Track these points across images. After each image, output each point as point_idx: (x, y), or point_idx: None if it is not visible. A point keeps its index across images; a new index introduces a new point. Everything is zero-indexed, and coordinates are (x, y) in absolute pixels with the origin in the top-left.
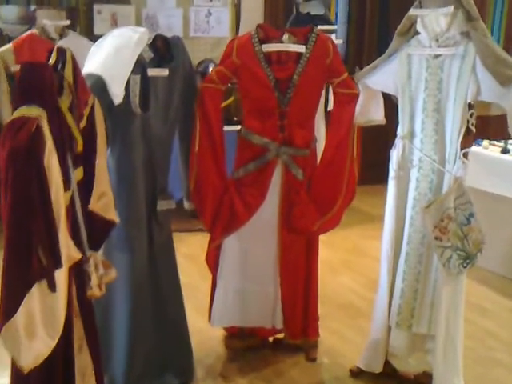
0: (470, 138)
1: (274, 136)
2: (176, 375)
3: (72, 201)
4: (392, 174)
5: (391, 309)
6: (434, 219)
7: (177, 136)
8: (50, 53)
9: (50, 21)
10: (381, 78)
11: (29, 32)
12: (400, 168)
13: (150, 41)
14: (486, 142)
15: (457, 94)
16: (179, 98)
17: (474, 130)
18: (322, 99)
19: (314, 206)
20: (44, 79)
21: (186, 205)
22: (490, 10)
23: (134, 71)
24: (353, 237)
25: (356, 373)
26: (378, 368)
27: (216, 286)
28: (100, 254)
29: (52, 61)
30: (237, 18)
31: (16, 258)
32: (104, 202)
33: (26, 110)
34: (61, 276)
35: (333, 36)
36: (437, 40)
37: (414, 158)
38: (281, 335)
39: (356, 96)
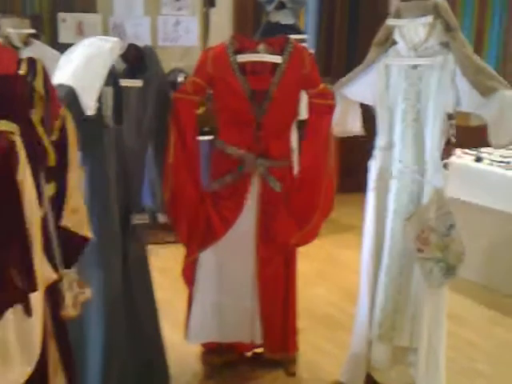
0: (449, 148)
1: (250, 148)
2: None
3: (45, 218)
4: (371, 185)
5: (372, 322)
6: (415, 231)
7: (151, 148)
8: (18, 63)
9: (13, 29)
10: (359, 88)
11: None
12: (379, 179)
13: (123, 51)
14: (458, 151)
15: (436, 104)
16: (153, 110)
17: (454, 140)
18: None
19: (292, 218)
20: (15, 91)
21: (161, 218)
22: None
23: (106, 82)
24: (327, 247)
25: None
26: (359, 382)
27: (192, 302)
28: (73, 272)
29: (22, 72)
30: (205, 27)
31: None
32: (77, 218)
33: None
34: (36, 299)
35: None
36: (415, 50)
37: (393, 168)
38: (259, 350)
39: (333, 107)
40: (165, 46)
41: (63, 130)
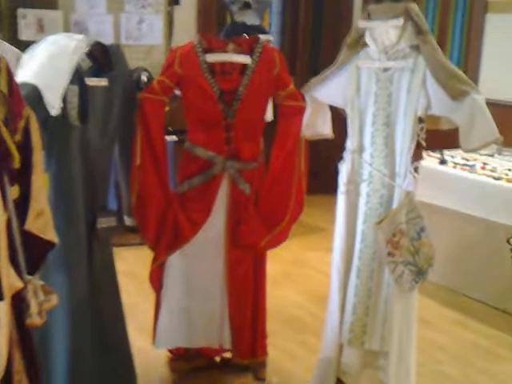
0: (419, 151)
1: (219, 149)
2: None
3: (8, 222)
4: (342, 188)
5: (342, 326)
6: (386, 235)
7: (117, 149)
8: None
9: None
10: (330, 90)
11: None
12: (350, 182)
13: (88, 48)
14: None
15: (407, 107)
16: (119, 110)
17: (424, 143)
18: None
19: (262, 221)
20: None
21: (128, 221)
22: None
23: (71, 81)
24: (294, 248)
25: None
26: None
27: (160, 307)
28: (38, 279)
29: None
30: (170, 26)
31: None
32: (42, 222)
33: None
34: (2, 309)
35: None
36: (386, 53)
37: (363, 172)
38: (228, 355)
39: (303, 109)
40: (128, 44)
41: (27, 130)
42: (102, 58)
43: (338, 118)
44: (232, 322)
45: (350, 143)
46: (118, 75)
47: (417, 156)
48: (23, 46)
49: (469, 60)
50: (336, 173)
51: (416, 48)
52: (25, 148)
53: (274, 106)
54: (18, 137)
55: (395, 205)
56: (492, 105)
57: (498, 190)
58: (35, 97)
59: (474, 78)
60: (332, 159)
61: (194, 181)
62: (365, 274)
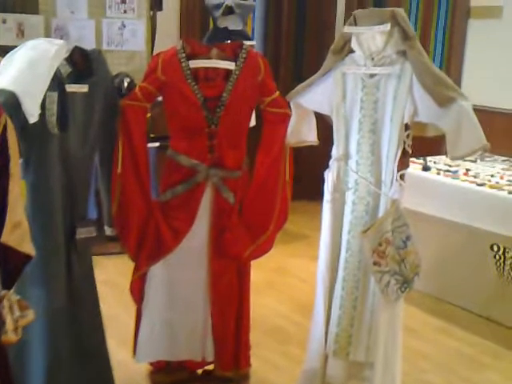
0: (406, 159)
1: (203, 157)
2: None
3: None
4: (327, 196)
5: (328, 337)
6: (371, 244)
7: (97, 157)
8: None
9: None
10: (315, 97)
11: None
12: (335, 191)
13: (68, 54)
14: None
15: (393, 114)
16: (100, 117)
17: (411, 151)
18: None
19: (246, 230)
20: None
21: (108, 231)
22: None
23: (50, 87)
24: (276, 256)
25: None
26: None
27: (140, 319)
28: (14, 294)
29: None
30: (152, 31)
31: None
32: (18, 234)
33: None
34: None
35: None
36: (372, 59)
37: (349, 180)
38: (210, 367)
39: (288, 116)
40: (110, 49)
41: (3, 138)
42: (82, 63)
43: (323, 125)
44: (215, 333)
45: (336, 151)
46: (99, 81)
47: (403, 163)
48: (2, 51)
49: (451, 65)
50: (320, 178)
51: (403, 54)
52: (1, 156)
53: (257, 111)
54: None
55: (381, 213)
56: (474, 110)
57: (481, 196)
58: (13, 104)
59: (457, 84)
60: (316, 164)
61: (176, 189)
62: (350, 284)
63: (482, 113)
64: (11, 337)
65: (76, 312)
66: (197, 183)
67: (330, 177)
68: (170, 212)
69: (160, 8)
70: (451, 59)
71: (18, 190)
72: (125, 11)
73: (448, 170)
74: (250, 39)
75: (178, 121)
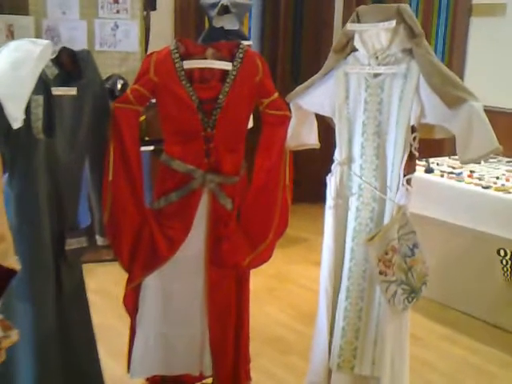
0: (412, 163)
1: (198, 162)
2: None
3: None
4: (330, 202)
5: (331, 349)
6: (377, 252)
7: (87, 163)
8: None
9: None
10: (316, 98)
11: None
12: (338, 196)
13: (55, 55)
14: None
15: (399, 115)
16: (89, 121)
17: (417, 154)
18: None
19: (245, 238)
20: None
21: (100, 240)
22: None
23: (35, 90)
24: (276, 261)
25: None
26: None
27: (135, 332)
28: None
29: None
30: (146, 32)
31: None
32: (2, 248)
33: None
34: None
35: None
36: (376, 58)
37: (353, 185)
38: (208, 381)
39: (288, 118)
40: (102, 50)
41: None
42: (70, 64)
43: (324, 126)
44: (213, 346)
45: (338, 154)
46: (88, 83)
47: (410, 168)
48: None
49: (452, 64)
50: (321, 180)
51: (409, 52)
52: None
53: (255, 113)
54: None
55: (386, 219)
56: None
57: (487, 199)
58: None
59: None
60: (316, 166)
61: (171, 196)
62: (355, 294)
63: (485, 113)
64: None
65: (66, 327)
66: (192, 190)
67: (332, 182)
68: (165, 220)
69: (153, 8)
70: (452, 58)
71: (1, 201)
72: (117, 11)
73: (452, 172)
74: (246, 39)
75: (172, 124)
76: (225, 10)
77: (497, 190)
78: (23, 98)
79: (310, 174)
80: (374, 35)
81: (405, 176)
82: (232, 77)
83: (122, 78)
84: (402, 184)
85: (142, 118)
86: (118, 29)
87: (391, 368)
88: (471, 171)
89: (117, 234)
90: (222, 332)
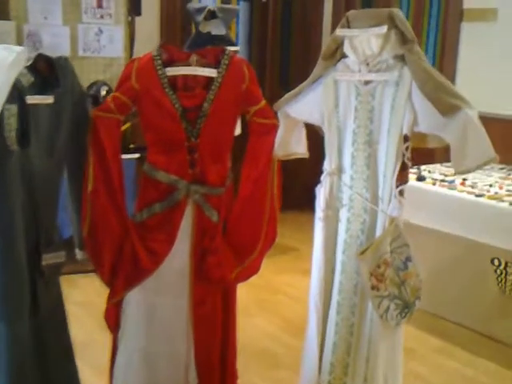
0: (405, 173)
1: (182, 173)
2: None
3: None
4: (319, 214)
5: (322, 366)
6: (369, 266)
7: (66, 174)
8: None
9: None
10: (304, 106)
11: None
12: (328, 208)
13: (30, 62)
14: None
15: (391, 124)
16: (68, 130)
17: (410, 164)
18: None
19: (231, 251)
20: None
21: (79, 254)
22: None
23: (8, 99)
24: (264, 271)
25: None
26: None
27: (117, 349)
28: None
29: None
30: (131, 37)
31: None
32: None
33: None
34: None
35: None
36: (367, 64)
37: (343, 196)
38: None
39: (275, 126)
40: (86, 56)
41: None
42: (46, 71)
43: (314, 133)
44: (198, 363)
45: (328, 164)
46: (66, 91)
47: (402, 178)
48: None
49: (443, 70)
50: (308, 188)
51: (401, 58)
52: None
53: (243, 119)
54: None
55: (378, 232)
56: None
57: (480, 208)
58: None
59: None
60: (304, 173)
61: (154, 208)
62: (346, 309)
63: None
64: None
65: (42, 345)
66: (176, 201)
67: (321, 193)
68: (148, 233)
69: (138, 13)
70: (443, 63)
71: None
72: (101, 16)
73: (444, 180)
74: (233, 44)
75: (154, 133)
76: (211, 15)
77: (490, 198)
78: None
79: (299, 181)
80: (365, 41)
81: (397, 187)
82: (217, 84)
83: (107, 85)
84: (395, 195)
85: (128, 124)
86: (102, 34)
87: None
88: (464, 179)
89: (97, 248)
90: (208, 348)
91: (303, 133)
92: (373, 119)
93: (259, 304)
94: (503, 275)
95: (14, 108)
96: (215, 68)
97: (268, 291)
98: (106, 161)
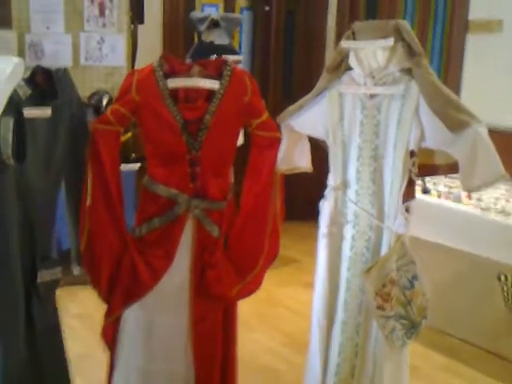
0: (412, 189)
1: (183, 186)
2: None
3: None
4: (323, 230)
5: None
6: (375, 285)
7: (63, 188)
8: None
9: None
10: (308, 119)
11: None
12: (332, 224)
13: (28, 74)
14: None
15: (397, 139)
16: (65, 143)
17: (417, 180)
18: None
19: (232, 267)
20: None
21: (76, 270)
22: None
23: (5, 112)
24: (265, 284)
25: None
26: None
27: (114, 368)
28: None
29: None
30: (133, 46)
31: None
32: None
33: None
34: None
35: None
36: (373, 77)
37: (348, 212)
38: None
39: (278, 140)
40: (88, 65)
41: None
42: (45, 84)
43: (318, 145)
44: (198, 382)
45: (333, 179)
46: (64, 103)
47: (409, 194)
48: None
49: (448, 82)
50: (311, 198)
51: (407, 72)
52: None
53: (245, 131)
54: None
55: (384, 249)
56: None
57: (486, 222)
58: None
59: None
60: (306, 183)
61: (153, 222)
62: (350, 328)
63: None
64: None
65: (38, 363)
66: (176, 216)
67: (326, 208)
68: (147, 248)
69: (141, 21)
70: (448, 75)
71: None
72: (104, 25)
73: (449, 192)
74: (236, 54)
75: (155, 146)
76: (214, 24)
77: (496, 212)
78: None
79: (300, 191)
80: (371, 53)
81: (403, 203)
82: (219, 96)
83: (108, 94)
84: (401, 212)
85: (129, 134)
86: (105, 43)
87: None
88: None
89: (95, 263)
90: (208, 367)
91: (307, 146)
92: (378, 134)
93: (260, 318)
94: (510, 291)
95: (10, 121)
96: (217, 79)
97: (269, 304)
98: (104, 174)
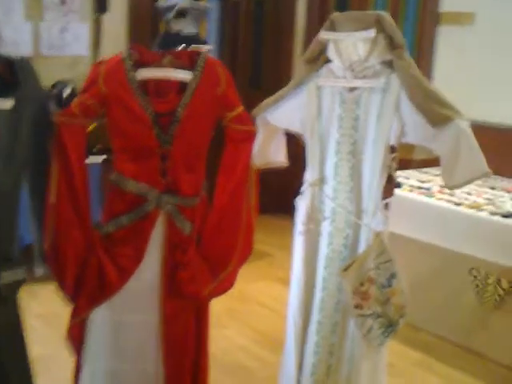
0: (391, 186)
1: (154, 182)
2: None
3: None
4: (300, 228)
5: None
6: (352, 284)
7: (26, 185)
8: None
9: None
10: (285, 113)
11: None
12: (309, 221)
13: None
14: None
15: (377, 134)
16: (28, 137)
17: (396, 176)
18: None
19: (205, 265)
20: None
21: (39, 271)
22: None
23: None
24: (237, 279)
25: None
26: None
27: (80, 370)
28: None
29: None
30: (97, 35)
31: None
32: None
33: None
34: None
35: None
36: (352, 70)
37: (325, 208)
38: None
39: (253, 133)
40: (50, 54)
41: None
42: (5, 74)
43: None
44: (169, 383)
45: (310, 175)
46: (27, 94)
47: (388, 191)
48: None
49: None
50: (284, 190)
51: (389, 65)
52: None
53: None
54: None
55: (362, 247)
56: None
57: (459, 217)
58: None
59: None
60: (280, 175)
61: (121, 220)
62: (327, 328)
63: None
64: None
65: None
66: (146, 212)
67: (302, 205)
68: (115, 247)
69: (104, 10)
70: (419, 67)
71: None
72: (66, 13)
73: (421, 187)
74: (205, 43)
75: (124, 140)
76: (182, 13)
77: (469, 207)
78: None
79: (272, 183)
80: (351, 45)
81: (382, 200)
82: (192, 88)
83: (71, 84)
84: (380, 209)
85: (94, 125)
86: (67, 32)
87: None
88: (441, 186)
89: (60, 262)
90: (178, 367)
91: (283, 141)
92: (357, 128)
93: (231, 314)
94: (482, 286)
95: None
96: (190, 70)
97: (240, 300)
98: (70, 169)
